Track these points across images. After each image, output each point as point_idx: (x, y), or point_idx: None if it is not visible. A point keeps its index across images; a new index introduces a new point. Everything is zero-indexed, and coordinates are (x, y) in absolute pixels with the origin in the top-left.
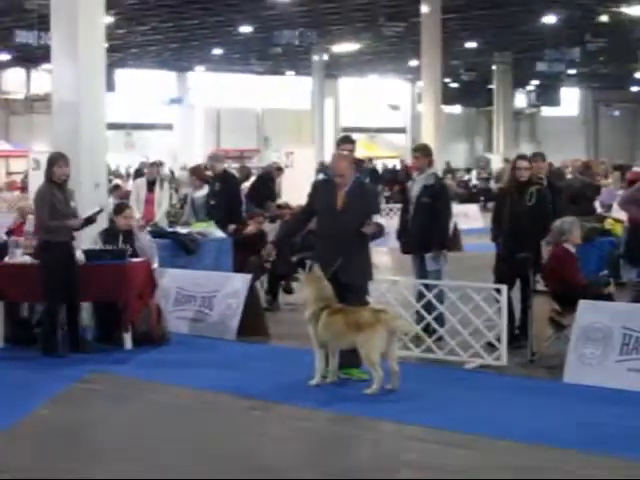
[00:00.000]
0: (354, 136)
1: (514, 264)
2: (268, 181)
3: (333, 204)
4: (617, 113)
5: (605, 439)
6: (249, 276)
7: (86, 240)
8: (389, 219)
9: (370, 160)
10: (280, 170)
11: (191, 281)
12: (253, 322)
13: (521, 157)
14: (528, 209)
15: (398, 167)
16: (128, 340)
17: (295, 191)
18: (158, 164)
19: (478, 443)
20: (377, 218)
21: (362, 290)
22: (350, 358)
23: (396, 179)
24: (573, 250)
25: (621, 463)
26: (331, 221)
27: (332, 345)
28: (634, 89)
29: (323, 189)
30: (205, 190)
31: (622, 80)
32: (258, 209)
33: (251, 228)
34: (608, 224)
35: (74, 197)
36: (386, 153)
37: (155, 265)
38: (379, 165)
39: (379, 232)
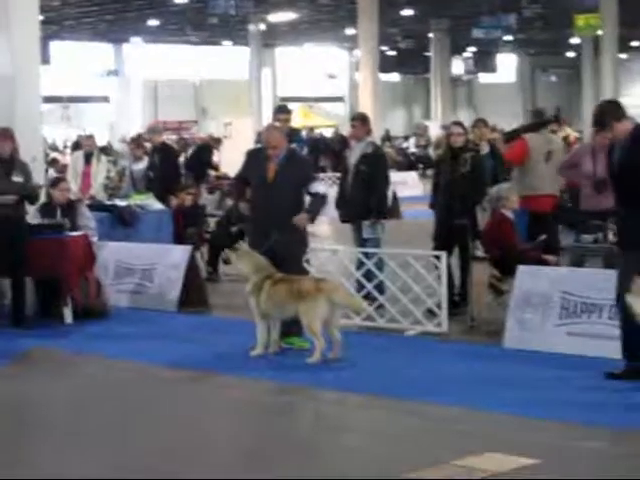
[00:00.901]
0: (292, 105)
1: (452, 231)
2: (206, 152)
3: (265, 175)
4: (554, 78)
5: (544, 403)
6: (189, 248)
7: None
8: (327, 187)
9: (312, 129)
10: (218, 141)
11: (131, 254)
12: (193, 294)
13: (455, 123)
14: (463, 175)
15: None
16: (68, 314)
17: (234, 162)
18: (93, 137)
19: (421, 409)
20: (316, 187)
21: (299, 260)
22: (291, 327)
23: (331, 148)
24: (510, 216)
25: (558, 426)
26: (263, 192)
27: (274, 315)
28: (570, 54)
29: (256, 159)
30: (144, 162)
31: (558, 46)
32: (196, 180)
33: (186, 199)
34: None
35: (25, 170)
36: (325, 122)
37: (94, 238)
38: (326, 134)
39: (321, 204)
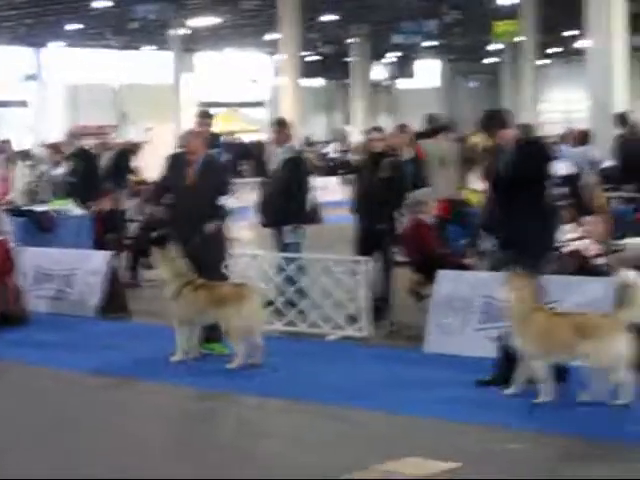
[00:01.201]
0: (213, 110)
1: (372, 236)
2: (125, 157)
3: (184, 180)
4: (473, 84)
5: (464, 406)
6: (109, 253)
7: None
8: (246, 193)
9: (232, 134)
10: (136, 146)
11: (50, 259)
12: (114, 299)
13: (374, 129)
14: (383, 181)
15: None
16: None
17: (154, 167)
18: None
19: (342, 414)
20: (224, 200)
21: (219, 265)
22: (212, 333)
23: (250, 153)
24: (429, 220)
25: (479, 429)
26: (183, 196)
27: (195, 321)
28: (490, 60)
29: (176, 164)
30: (63, 167)
31: (478, 52)
32: (116, 186)
33: (105, 205)
34: (465, 194)
35: None
36: (246, 127)
37: (12, 244)
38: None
39: (224, 216)
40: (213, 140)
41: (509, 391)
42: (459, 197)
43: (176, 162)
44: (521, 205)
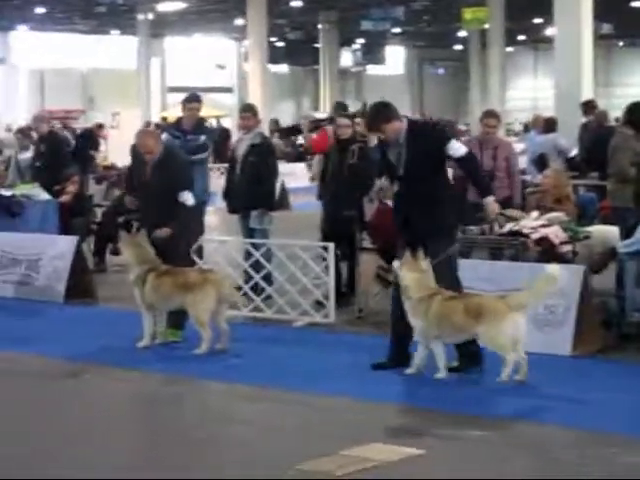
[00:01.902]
0: (180, 96)
1: (339, 222)
2: (88, 140)
3: (143, 175)
4: (441, 71)
5: (431, 392)
6: (75, 238)
7: None
8: (216, 178)
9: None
10: (100, 127)
11: (16, 244)
12: (80, 285)
13: (342, 115)
14: (350, 167)
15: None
16: None
17: (122, 152)
18: None
19: (308, 400)
20: (184, 196)
21: (182, 253)
22: (171, 319)
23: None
24: None
25: (445, 416)
26: (142, 191)
27: (160, 307)
28: (457, 47)
29: (137, 156)
30: (30, 152)
31: (446, 39)
32: (81, 170)
33: (69, 190)
34: None
35: None
36: (214, 112)
37: None
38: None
39: (184, 214)
40: (200, 125)
41: (408, 371)
42: None
43: (138, 154)
44: (421, 192)
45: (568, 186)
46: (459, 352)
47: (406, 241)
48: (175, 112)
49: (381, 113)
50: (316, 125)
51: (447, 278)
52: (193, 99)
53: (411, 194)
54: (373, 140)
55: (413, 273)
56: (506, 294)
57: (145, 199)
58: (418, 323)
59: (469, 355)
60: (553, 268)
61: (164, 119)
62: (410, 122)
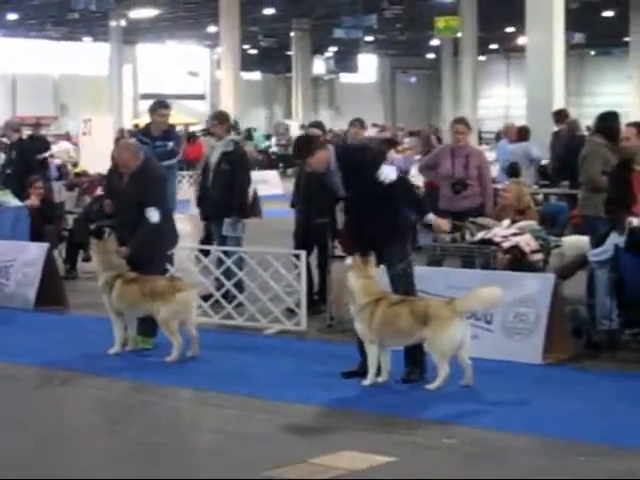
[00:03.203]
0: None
1: (311, 230)
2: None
3: (119, 183)
4: (414, 80)
5: (401, 400)
6: (46, 245)
7: None
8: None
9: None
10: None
11: None
12: (51, 291)
13: (312, 125)
14: (323, 175)
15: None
16: None
17: (93, 159)
18: None
19: (278, 408)
20: (151, 212)
21: (153, 263)
22: (147, 326)
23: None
24: None
25: (415, 423)
26: (118, 199)
27: (128, 313)
28: (430, 56)
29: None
30: (1, 158)
31: (418, 47)
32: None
33: (33, 197)
34: None
35: None
36: (186, 120)
37: None
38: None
39: (148, 233)
40: (170, 132)
41: (365, 382)
42: None
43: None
44: (368, 206)
45: (527, 195)
46: (406, 359)
47: (359, 247)
48: (147, 119)
49: (302, 149)
50: (191, 136)
51: (403, 287)
52: (161, 106)
53: (359, 209)
54: None
55: (360, 279)
56: (452, 298)
57: (120, 206)
58: (361, 328)
59: (415, 362)
60: (494, 290)
61: (136, 126)
62: (337, 149)
